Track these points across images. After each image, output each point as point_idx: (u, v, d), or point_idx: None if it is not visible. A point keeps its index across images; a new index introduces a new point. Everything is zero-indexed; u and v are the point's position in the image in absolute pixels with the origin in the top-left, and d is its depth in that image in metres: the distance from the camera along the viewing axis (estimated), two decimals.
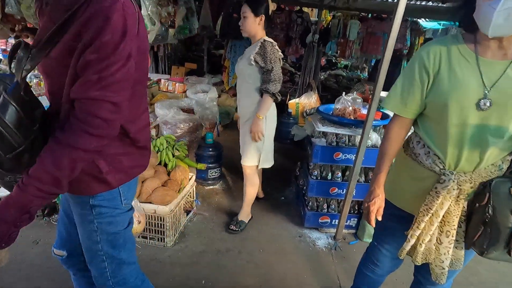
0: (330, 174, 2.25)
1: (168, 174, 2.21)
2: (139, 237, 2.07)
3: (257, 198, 2.47)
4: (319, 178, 2.25)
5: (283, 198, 2.77)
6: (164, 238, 2.02)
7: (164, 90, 3.34)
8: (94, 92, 0.70)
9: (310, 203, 2.32)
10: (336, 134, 2.15)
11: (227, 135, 4.16)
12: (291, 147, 3.94)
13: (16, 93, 0.70)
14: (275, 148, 2.31)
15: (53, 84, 0.80)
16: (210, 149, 2.73)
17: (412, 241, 1.07)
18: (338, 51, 5.99)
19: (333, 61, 7.64)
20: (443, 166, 0.99)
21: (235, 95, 5.30)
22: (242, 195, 2.78)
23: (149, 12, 2.17)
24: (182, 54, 5.90)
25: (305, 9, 5.71)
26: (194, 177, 2.37)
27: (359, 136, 1.95)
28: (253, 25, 1.85)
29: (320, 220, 2.30)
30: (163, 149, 2.28)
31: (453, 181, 0.97)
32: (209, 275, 1.86)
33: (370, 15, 5.43)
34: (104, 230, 0.93)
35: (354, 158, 1.98)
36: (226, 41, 5.31)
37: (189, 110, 2.76)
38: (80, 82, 0.71)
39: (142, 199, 1.96)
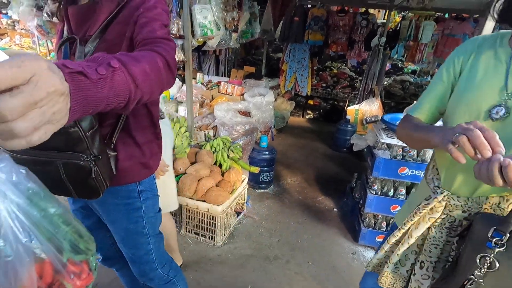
0: (392, 190, 2.05)
1: (222, 174, 2.26)
2: (191, 232, 2.17)
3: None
4: (379, 193, 2.07)
5: (336, 209, 2.63)
6: (214, 237, 2.07)
7: (224, 92, 3.45)
8: (158, 34, 0.75)
9: (367, 219, 2.15)
10: (403, 147, 1.95)
11: (281, 139, 4.13)
12: (347, 156, 3.73)
13: None
14: (331, 155, 2.20)
15: None
16: (264, 153, 2.73)
17: (380, 254, 0.92)
18: (406, 55, 5.50)
19: (399, 65, 7.05)
20: (438, 184, 0.83)
21: (291, 98, 5.29)
22: (293, 201, 2.72)
23: (215, 18, 2.26)
24: (242, 58, 6.07)
25: (371, 11, 5.39)
26: (246, 180, 2.39)
27: (431, 151, 1.73)
28: None
29: (377, 239, 2.11)
30: (219, 150, 2.34)
31: (439, 202, 0.78)
32: (255, 280, 1.84)
33: (447, 15, 4.86)
34: (148, 214, 1.00)
35: (423, 175, 1.77)
36: (285, 45, 5.31)
37: (246, 113, 2.80)
38: (142, 34, 0.76)
39: (197, 197, 2.04)
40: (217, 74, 5.24)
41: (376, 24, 4.63)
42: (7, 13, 3.28)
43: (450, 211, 0.79)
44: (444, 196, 0.78)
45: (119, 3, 0.79)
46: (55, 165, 0.71)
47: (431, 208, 0.79)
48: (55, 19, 2.83)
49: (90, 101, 0.43)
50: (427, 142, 0.72)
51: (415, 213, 0.82)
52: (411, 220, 0.82)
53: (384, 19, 6.98)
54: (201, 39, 2.29)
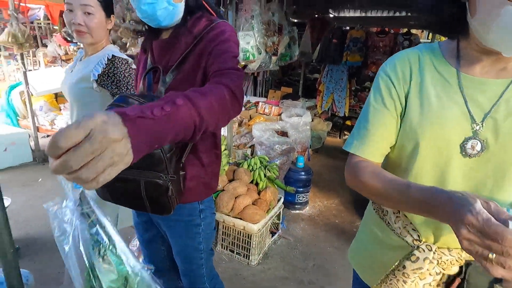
0: None
1: (259, 193, 2.29)
2: (226, 249, 2.20)
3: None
4: None
5: None
6: (249, 255, 2.08)
7: (261, 112, 3.55)
8: (229, 65, 0.80)
9: None
10: None
11: (317, 160, 4.08)
12: None
13: None
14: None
15: None
16: (300, 173, 2.72)
17: None
18: None
19: None
20: (418, 237, 0.67)
21: (328, 119, 5.24)
22: (329, 225, 2.64)
23: (257, 43, 2.39)
24: (279, 78, 6.22)
25: (413, 31, 5.25)
26: (282, 200, 2.39)
27: None
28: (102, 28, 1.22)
29: None
30: (256, 168, 2.39)
31: (431, 262, 0.64)
32: None
33: None
34: (206, 231, 1.06)
35: None
36: (322, 66, 5.36)
37: (283, 133, 2.84)
38: (214, 65, 0.82)
39: (234, 214, 2.08)
40: (254, 95, 5.42)
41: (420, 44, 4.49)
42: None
43: (442, 269, 0.65)
44: (434, 253, 0.64)
45: (196, 37, 0.87)
46: (137, 183, 0.77)
47: (422, 272, 0.64)
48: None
49: (154, 138, 0.48)
50: (418, 209, 0.56)
51: (403, 280, 0.66)
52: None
53: (428, 38, 6.75)
54: (243, 63, 2.42)
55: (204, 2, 0.93)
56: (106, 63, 1.18)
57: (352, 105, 5.42)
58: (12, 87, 3.73)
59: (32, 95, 3.38)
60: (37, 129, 3.47)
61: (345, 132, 5.42)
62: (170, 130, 0.52)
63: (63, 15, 1.20)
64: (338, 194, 3.21)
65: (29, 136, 3.47)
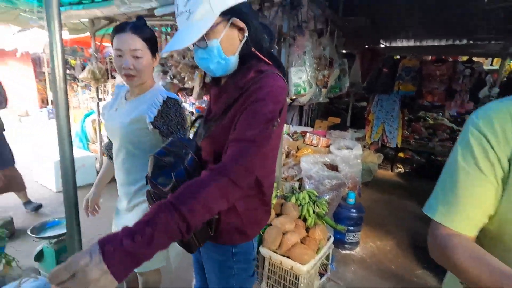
0: None
1: (307, 230, 2.20)
2: (271, 287, 2.10)
3: None
4: None
5: None
6: None
7: (309, 143, 3.51)
8: (248, 133, 0.79)
9: None
10: None
11: (368, 194, 3.84)
12: None
13: (198, 152, 0.92)
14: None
15: (215, 148, 0.91)
16: (351, 210, 2.57)
17: None
18: None
19: None
20: None
21: (378, 150, 4.97)
22: (383, 270, 2.40)
23: (308, 77, 2.41)
24: (325, 107, 6.15)
25: (476, 58, 4.88)
26: (332, 239, 2.25)
27: None
28: (149, 68, 1.26)
29: None
30: (304, 203, 2.32)
31: None
32: None
33: None
34: (240, 275, 1.02)
35: None
36: (372, 95, 5.19)
37: (332, 167, 2.75)
38: (236, 130, 0.83)
39: (281, 252, 2.01)
40: (300, 124, 5.40)
41: (484, 72, 4.14)
42: None
43: None
44: None
45: (241, 89, 0.85)
46: None
47: None
48: (175, 81, 3.49)
49: (135, 262, 0.58)
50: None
51: None
52: None
53: (492, 65, 6.20)
54: (294, 97, 2.45)
55: (254, 50, 0.89)
56: (161, 104, 1.21)
57: (405, 136, 5.09)
58: (87, 115, 4.26)
59: (102, 122, 3.80)
60: (102, 153, 3.86)
61: (398, 165, 5.07)
62: (151, 252, 0.60)
63: (113, 60, 1.24)
64: (393, 234, 2.94)
65: (96, 159, 3.86)
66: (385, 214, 3.39)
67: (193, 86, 3.50)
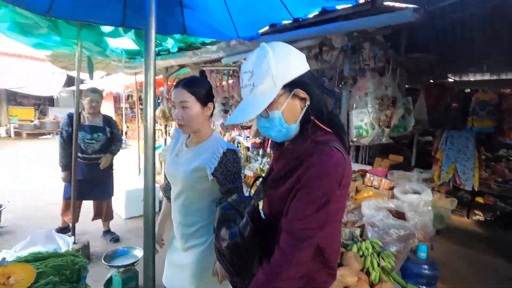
0: None
1: (371, 286, 1.99)
2: None
3: None
4: None
5: None
6: None
7: (369, 184, 3.28)
8: (297, 225, 0.84)
9: None
10: None
11: (441, 245, 3.38)
12: None
13: (253, 215, 0.93)
14: None
15: (272, 209, 0.99)
16: (423, 267, 2.26)
17: None
18: None
19: None
20: None
21: (449, 192, 4.41)
22: None
23: (371, 119, 2.33)
24: (384, 143, 5.78)
25: None
26: None
27: None
28: (199, 118, 1.32)
29: None
30: (368, 254, 2.12)
31: None
32: None
33: None
34: None
35: None
36: (440, 131, 4.75)
37: (399, 214, 2.50)
38: (289, 216, 0.87)
39: None
40: (356, 161, 5.14)
41: None
42: None
43: None
44: None
45: (298, 159, 0.87)
46: None
47: None
48: None
49: None
50: None
51: None
52: None
53: None
54: (355, 139, 2.37)
55: (313, 118, 0.90)
56: (221, 156, 1.32)
57: (484, 178, 4.47)
58: (155, 149, 4.70)
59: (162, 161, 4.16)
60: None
61: (476, 212, 4.42)
62: None
63: (172, 112, 1.46)
64: None
65: (160, 190, 4.17)
66: (463, 271, 2.92)
67: (251, 125, 3.66)
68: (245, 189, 3.36)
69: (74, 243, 2.65)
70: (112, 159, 3.23)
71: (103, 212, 3.32)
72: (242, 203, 0.98)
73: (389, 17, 1.60)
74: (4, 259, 1.30)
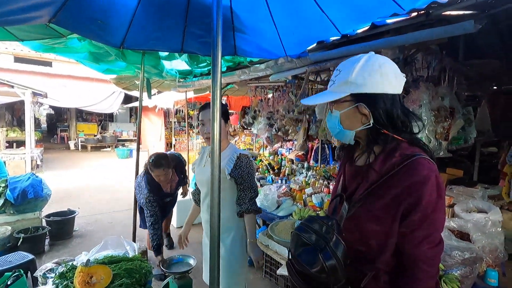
0: None
1: None
2: None
3: None
4: None
5: None
6: None
7: None
8: (422, 246, 0.83)
9: None
10: None
11: None
12: None
13: (340, 234, 0.89)
14: None
15: (362, 230, 0.91)
16: None
17: None
18: None
19: None
20: None
21: None
22: None
23: (426, 132, 2.21)
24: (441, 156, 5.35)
25: None
26: None
27: None
28: (223, 132, 1.70)
29: None
30: None
31: None
32: None
33: None
34: None
35: None
36: (507, 142, 4.26)
37: (462, 234, 2.30)
38: (411, 240, 0.85)
39: None
40: None
41: None
42: (250, 129, 4.70)
43: None
44: None
45: (383, 176, 0.87)
46: None
47: None
48: (280, 133, 3.77)
49: None
50: None
51: None
52: None
53: None
54: None
55: (387, 132, 0.89)
56: (235, 160, 1.68)
57: None
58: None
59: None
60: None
61: None
62: None
63: (199, 129, 1.76)
64: None
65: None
66: None
67: (295, 138, 3.69)
68: (290, 203, 3.36)
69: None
70: None
71: (169, 220, 3.62)
72: (322, 225, 0.91)
73: (446, 30, 1.52)
74: (88, 260, 1.49)
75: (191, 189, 3.84)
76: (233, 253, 1.70)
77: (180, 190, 3.52)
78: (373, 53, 0.92)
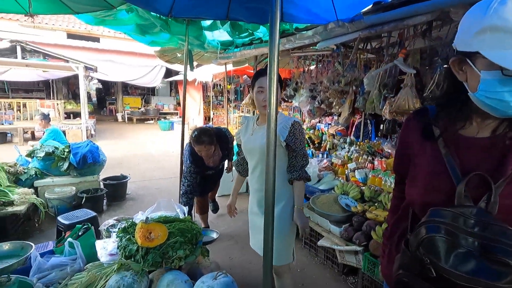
0: None
1: None
2: None
3: None
4: None
5: None
6: None
7: None
8: None
9: None
10: None
11: None
12: None
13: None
14: None
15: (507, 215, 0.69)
16: None
17: None
18: None
19: None
20: None
21: None
22: None
23: None
24: None
25: None
26: None
27: None
28: None
29: None
30: None
31: None
32: None
33: None
34: None
35: None
36: None
37: None
38: None
39: None
40: None
41: None
42: (291, 101, 4.59)
43: None
44: None
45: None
46: None
47: None
48: (323, 106, 3.63)
49: None
50: None
51: None
52: None
53: None
54: None
55: None
56: (290, 127, 1.63)
57: None
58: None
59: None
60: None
61: None
62: None
63: (254, 95, 1.66)
64: None
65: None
66: None
67: (340, 112, 3.53)
68: (332, 177, 3.30)
69: None
70: None
71: (216, 191, 3.68)
72: (456, 218, 0.68)
73: None
74: (147, 218, 1.62)
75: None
76: (283, 220, 1.68)
77: (226, 165, 3.50)
78: None
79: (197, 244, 1.74)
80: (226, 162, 3.47)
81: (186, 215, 2.86)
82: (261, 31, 3.38)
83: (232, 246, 3.05)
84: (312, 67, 4.09)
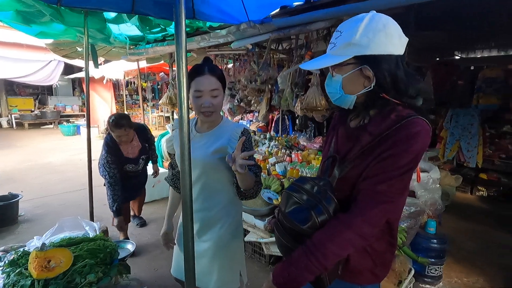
0: None
1: None
2: None
3: None
4: None
5: None
6: None
7: None
8: (381, 186, 0.84)
9: None
10: None
11: (448, 222, 3.47)
12: None
13: (333, 193, 0.91)
14: None
15: (350, 189, 0.92)
16: (432, 241, 2.36)
17: None
18: None
19: None
20: None
21: (453, 170, 4.49)
22: None
23: None
24: None
25: None
26: (413, 272, 2.10)
27: None
28: (222, 104, 1.40)
29: None
30: None
31: None
32: None
33: None
34: None
35: None
36: (444, 110, 4.77)
37: (410, 193, 2.57)
38: (372, 178, 0.86)
39: None
40: None
41: None
42: None
43: None
44: None
45: (377, 137, 0.86)
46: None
47: None
48: (242, 104, 3.70)
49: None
50: None
51: None
52: None
53: None
54: None
55: (385, 95, 0.86)
56: (240, 136, 1.31)
57: (488, 154, 4.53)
58: (162, 135, 4.73)
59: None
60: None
61: (480, 188, 4.51)
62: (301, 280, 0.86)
63: (191, 101, 1.28)
64: (482, 270, 2.60)
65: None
66: (470, 246, 3.03)
67: (259, 109, 3.67)
68: None
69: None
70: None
71: (142, 203, 3.42)
72: (314, 185, 0.93)
73: None
74: (44, 244, 1.36)
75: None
76: (227, 240, 1.40)
77: (151, 170, 3.30)
78: (375, 11, 0.87)
79: (112, 263, 1.56)
80: (151, 165, 3.25)
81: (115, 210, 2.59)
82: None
83: (158, 256, 2.86)
84: (230, 66, 4.13)
